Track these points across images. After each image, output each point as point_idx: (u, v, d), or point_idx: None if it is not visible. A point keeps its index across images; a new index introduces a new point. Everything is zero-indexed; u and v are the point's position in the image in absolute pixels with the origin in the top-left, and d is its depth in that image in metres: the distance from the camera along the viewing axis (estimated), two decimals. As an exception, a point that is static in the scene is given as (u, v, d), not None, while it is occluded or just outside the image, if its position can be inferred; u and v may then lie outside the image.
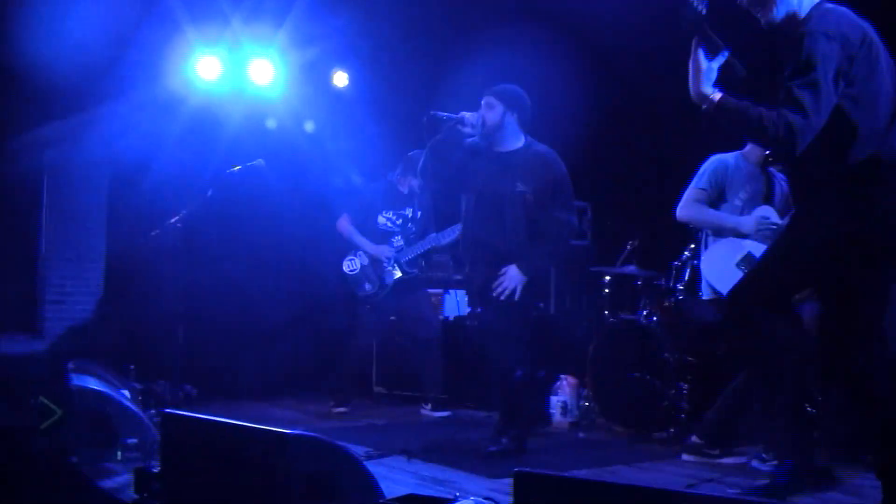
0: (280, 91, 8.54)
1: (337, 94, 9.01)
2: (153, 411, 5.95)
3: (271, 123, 8.48)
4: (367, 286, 7.32)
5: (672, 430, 6.00)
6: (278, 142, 8.51)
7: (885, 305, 3.98)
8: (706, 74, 3.95)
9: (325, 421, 7.07)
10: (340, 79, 9.02)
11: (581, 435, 6.39)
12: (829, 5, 3.94)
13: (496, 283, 5.56)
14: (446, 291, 8.37)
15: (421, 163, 5.73)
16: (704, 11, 3.83)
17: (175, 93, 8.05)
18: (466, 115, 5.51)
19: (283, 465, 3.02)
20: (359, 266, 7.36)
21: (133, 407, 5.17)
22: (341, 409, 7.38)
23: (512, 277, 5.54)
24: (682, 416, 6.08)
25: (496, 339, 5.70)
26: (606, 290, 7.36)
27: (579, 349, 7.27)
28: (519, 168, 5.61)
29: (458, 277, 8.27)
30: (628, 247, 7.35)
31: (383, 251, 7.30)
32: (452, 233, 7.10)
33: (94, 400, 5.00)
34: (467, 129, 5.53)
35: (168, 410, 3.80)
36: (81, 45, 7.01)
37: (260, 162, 6.89)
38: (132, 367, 6.76)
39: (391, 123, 8.49)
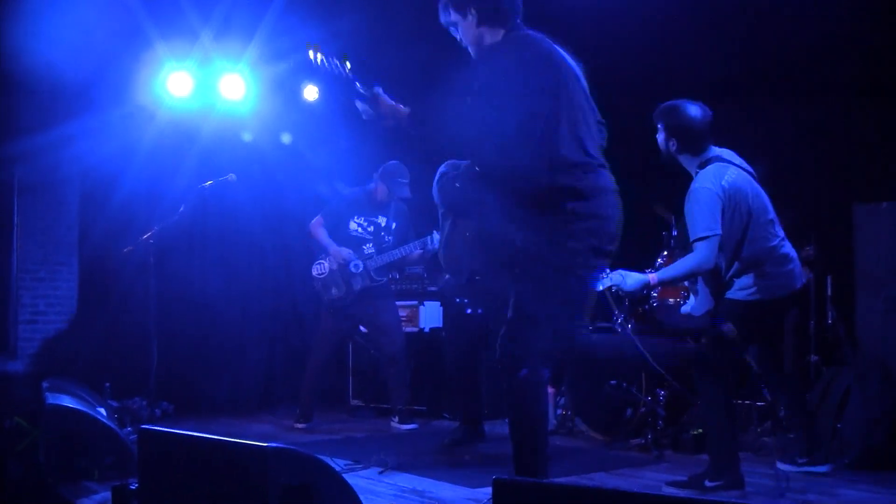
0: (251, 106, 8.54)
1: (308, 108, 9.00)
2: (130, 429, 5.93)
3: (247, 137, 8.45)
4: (334, 290, 7.29)
5: (650, 436, 6.02)
6: (250, 156, 8.51)
7: None
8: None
9: (302, 434, 7.05)
10: (311, 92, 9.01)
11: (559, 443, 6.39)
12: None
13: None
14: (421, 303, 8.37)
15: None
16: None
17: (146, 108, 8.03)
18: None
19: (261, 479, 3.01)
20: (327, 270, 7.32)
21: (110, 424, 5.13)
22: (302, 425, 7.35)
23: None
24: (660, 422, 6.11)
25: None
26: (581, 299, 7.37)
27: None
28: None
29: (434, 289, 8.28)
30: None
31: (341, 253, 7.24)
32: (418, 247, 7.17)
33: (70, 419, 4.96)
34: None
35: (145, 427, 3.78)
36: (52, 61, 6.99)
37: (231, 177, 6.89)
38: (108, 385, 6.73)
39: (363, 136, 8.49)
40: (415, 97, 8.94)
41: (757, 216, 4.91)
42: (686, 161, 5.03)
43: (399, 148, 8.29)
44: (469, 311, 6.03)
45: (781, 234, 5.03)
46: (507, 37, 4.12)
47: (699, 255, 4.76)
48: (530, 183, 3.94)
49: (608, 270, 4.71)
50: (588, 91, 4.26)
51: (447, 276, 6.18)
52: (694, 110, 4.98)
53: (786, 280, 4.95)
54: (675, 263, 4.95)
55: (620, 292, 4.86)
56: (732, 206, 4.84)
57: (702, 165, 4.96)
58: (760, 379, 6.08)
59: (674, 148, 5.01)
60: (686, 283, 5.58)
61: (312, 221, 7.43)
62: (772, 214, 5.00)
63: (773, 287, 4.89)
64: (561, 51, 4.13)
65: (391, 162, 7.37)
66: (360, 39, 8.37)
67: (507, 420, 4.16)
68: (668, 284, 5.01)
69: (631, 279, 4.80)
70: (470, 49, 4.27)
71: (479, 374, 6.39)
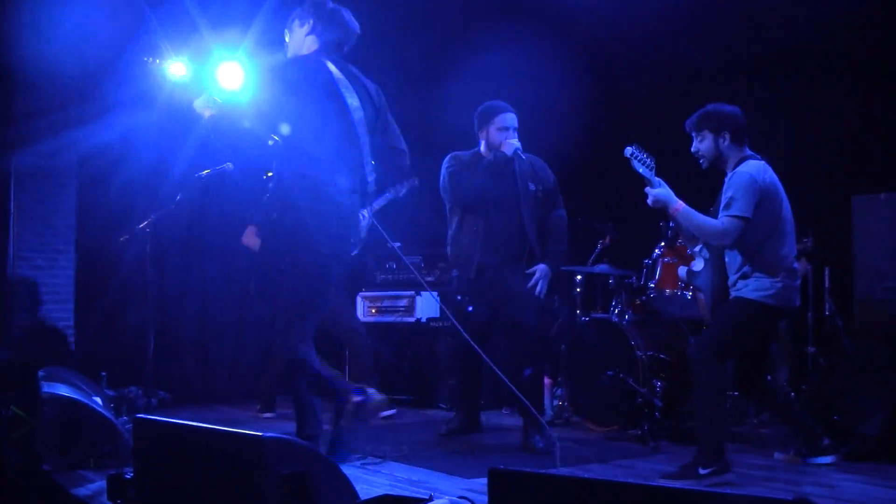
0: (249, 94, 8.49)
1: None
2: (126, 418, 5.92)
3: (245, 125, 8.36)
4: None
5: (646, 427, 6.02)
6: (247, 145, 8.46)
7: None
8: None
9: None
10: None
11: (556, 433, 6.39)
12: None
13: (532, 281, 5.96)
14: (418, 293, 8.37)
15: (443, 186, 6.16)
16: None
17: (143, 96, 7.99)
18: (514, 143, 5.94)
19: (257, 468, 3.01)
20: None
21: (106, 413, 5.13)
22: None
23: (546, 274, 6.01)
24: (657, 413, 6.11)
25: (516, 334, 5.99)
26: (578, 290, 7.38)
27: (553, 348, 7.29)
28: (524, 170, 6.03)
29: (430, 279, 8.28)
30: (599, 246, 7.37)
31: None
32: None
33: (65, 407, 4.96)
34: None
35: (140, 416, 3.77)
36: (49, 48, 6.96)
37: (229, 165, 6.87)
38: (104, 374, 6.72)
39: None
40: (415, 84, 8.98)
41: (783, 224, 5.02)
42: (734, 154, 5.10)
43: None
44: (471, 308, 6.04)
45: (795, 250, 5.10)
46: (312, 54, 4.94)
47: (723, 226, 4.89)
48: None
49: (654, 166, 5.02)
50: (371, 119, 4.90)
51: (455, 272, 6.21)
52: (729, 106, 5.14)
53: (793, 294, 5.05)
54: (704, 216, 5.01)
55: (648, 190, 5.01)
56: (766, 204, 4.93)
57: (741, 161, 5.05)
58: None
59: (725, 143, 5.08)
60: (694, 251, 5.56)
61: None
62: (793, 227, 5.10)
63: (783, 297, 4.95)
64: (337, 80, 4.82)
65: None
66: (364, 26, 8.35)
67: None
68: (682, 221, 5.00)
69: (663, 191, 4.97)
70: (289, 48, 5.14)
71: (482, 367, 6.38)
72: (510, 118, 5.97)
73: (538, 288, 5.98)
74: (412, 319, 8.24)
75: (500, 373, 5.17)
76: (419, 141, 8.95)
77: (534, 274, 5.99)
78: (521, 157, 5.95)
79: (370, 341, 7.47)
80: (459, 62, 8.16)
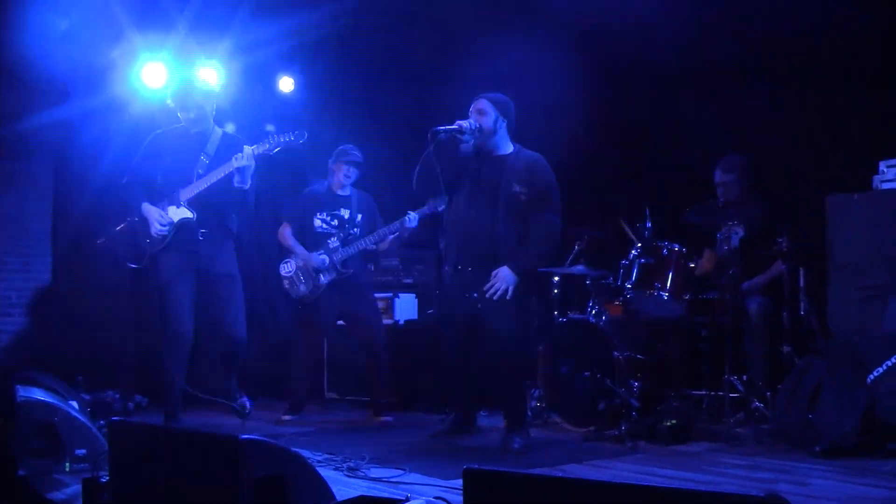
0: (226, 97, 8.49)
1: (283, 99, 8.98)
2: (102, 422, 5.90)
3: (230, 128, 8.37)
4: (302, 288, 7.30)
5: (624, 427, 6.04)
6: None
7: None
8: None
9: (276, 427, 7.03)
10: (286, 84, 8.99)
11: (534, 434, 6.40)
12: None
13: (488, 284, 5.76)
14: (396, 295, 8.38)
15: (416, 173, 5.92)
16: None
17: (120, 99, 7.98)
18: (463, 123, 5.78)
19: (233, 471, 3.00)
20: (294, 268, 7.36)
21: (81, 417, 5.10)
22: (289, 417, 7.34)
23: (503, 278, 5.76)
24: (634, 413, 6.13)
25: (493, 335, 5.93)
26: (556, 290, 7.39)
27: (530, 349, 7.31)
28: (514, 170, 5.87)
29: (409, 281, 8.29)
30: (576, 247, 7.39)
31: (311, 259, 7.27)
32: (388, 232, 7.28)
33: (41, 411, 4.93)
34: (466, 136, 5.80)
35: (115, 419, 3.76)
36: (25, 51, 6.94)
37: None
38: (80, 377, 6.69)
39: (338, 127, 8.48)
40: (415, 85, 8.89)
41: None
42: None
43: (376, 135, 8.29)
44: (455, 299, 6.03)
45: None
46: None
47: None
48: None
49: None
50: None
51: (444, 266, 6.21)
52: None
53: None
54: None
55: None
56: None
57: None
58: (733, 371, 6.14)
59: None
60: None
61: (280, 230, 7.54)
62: None
63: None
64: None
65: (344, 145, 7.51)
66: (340, 27, 8.35)
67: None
68: None
69: None
70: None
71: (473, 365, 6.33)
72: (478, 102, 5.95)
73: (493, 291, 5.74)
74: (390, 322, 8.24)
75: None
76: (416, 141, 9.01)
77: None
78: (516, 155, 5.96)
79: (381, 342, 7.47)
80: (460, 63, 8.15)
